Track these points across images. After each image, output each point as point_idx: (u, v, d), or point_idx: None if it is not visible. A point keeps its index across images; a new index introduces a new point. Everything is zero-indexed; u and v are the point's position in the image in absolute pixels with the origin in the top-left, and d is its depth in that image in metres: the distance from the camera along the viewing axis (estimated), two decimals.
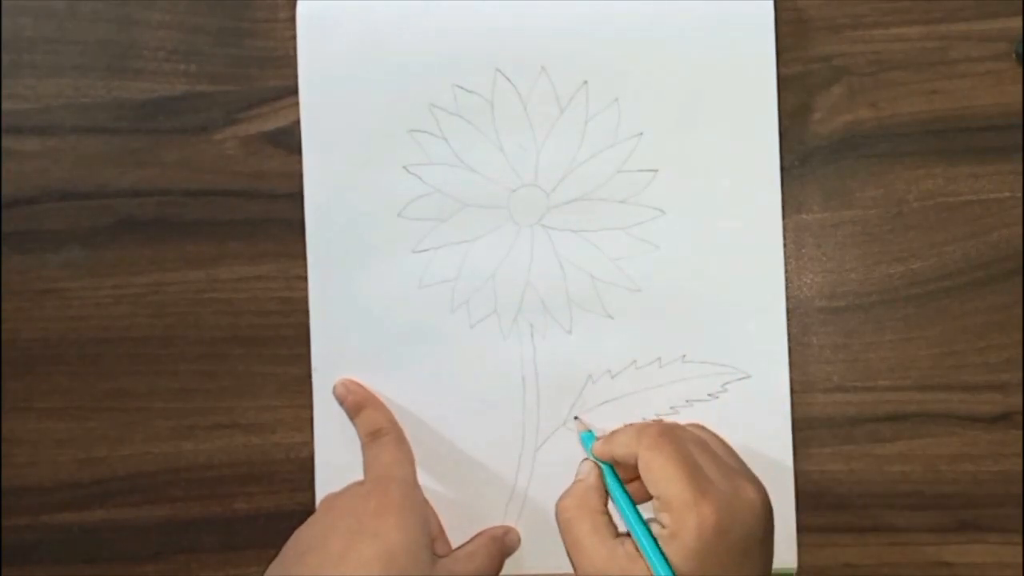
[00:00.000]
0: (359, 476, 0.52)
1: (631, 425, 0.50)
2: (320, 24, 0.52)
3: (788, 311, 0.51)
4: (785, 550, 0.50)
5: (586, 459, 0.50)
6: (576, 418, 0.52)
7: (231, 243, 0.54)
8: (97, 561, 0.55)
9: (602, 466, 0.49)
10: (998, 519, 0.51)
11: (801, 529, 0.51)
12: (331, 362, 0.53)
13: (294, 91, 0.53)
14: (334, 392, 0.53)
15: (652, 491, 0.45)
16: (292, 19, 0.53)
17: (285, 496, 0.55)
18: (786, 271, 0.51)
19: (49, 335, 0.55)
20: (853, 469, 0.52)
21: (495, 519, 0.53)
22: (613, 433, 0.49)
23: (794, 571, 0.51)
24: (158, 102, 0.54)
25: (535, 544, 0.53)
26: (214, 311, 0.55)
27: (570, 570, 0.52)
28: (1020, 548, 0.51)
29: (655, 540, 0.44)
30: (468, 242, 0.52)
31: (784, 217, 0.51)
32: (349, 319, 0.53)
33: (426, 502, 0.52)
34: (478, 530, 0.53)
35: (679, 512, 0.44)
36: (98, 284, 0.55)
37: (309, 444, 0.54)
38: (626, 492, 0.48)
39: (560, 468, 0.52)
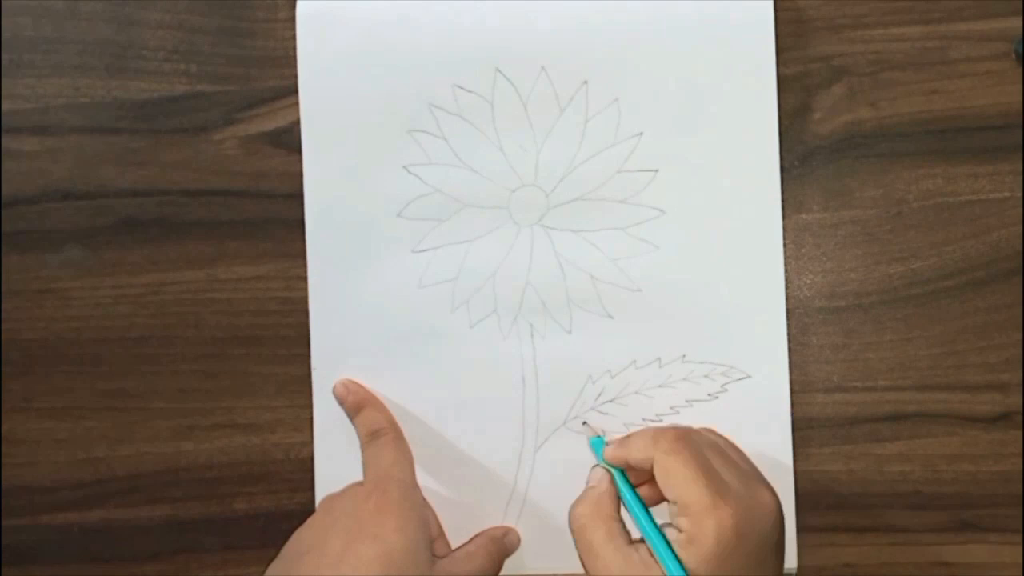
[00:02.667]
0: (359, 476, 0.52)
1: (645, 429, 0.49)
2: (320, 24, 0.52)
3: (788, 311, 0.51)
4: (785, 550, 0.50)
5: (597, 465, 0.50)
6: (584, 423, 0.52)
7: (231, 243, 0.54)
8: (97, 561, 0.56)
9: (614, 471, 0.48)
10: (998, 519, 0.51)
11: (801, 529, 0.51)
12: (331, 362, 0.53)
13: (294, 91, 0.53)
14: (334, 392, 0.53)
15: (669, 496, 0.45)
16: (292, 19, 0.53)
17: (285, 496, 0.55)
18: (786, 271, 0.51)
19: (49, 335, 0.55)
20: (853, 469, 0.52)
21: (495, 519, 0.53)
22: (626, 438, 0.49)
23: (794, 571, 0.51)
24: (158, 102, 0.54)
25: (535, 544, 0.53)
26: (214, 311, 0.55)
27: (569, 570, 0.52)
28: (1020, 548, 0.51)
29: (670, 545, 0.44)
30: (468, 242, 0.52)
31: (784, 217, 0.51)
32: (349, 319, 0.53)
33: (425, 503, 0.52)
34: (478, 530, 0.53)
35: (698, 516, 0.44)
36: (98, 284, 0.55)
37: (309, 444, 0.54)
38: (639, 497, 0.48)
39: (560, 468, 0.52)
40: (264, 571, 0.48)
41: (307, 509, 0.54)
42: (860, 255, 0.52)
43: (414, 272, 0.53)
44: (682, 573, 0.43)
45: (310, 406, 0.54)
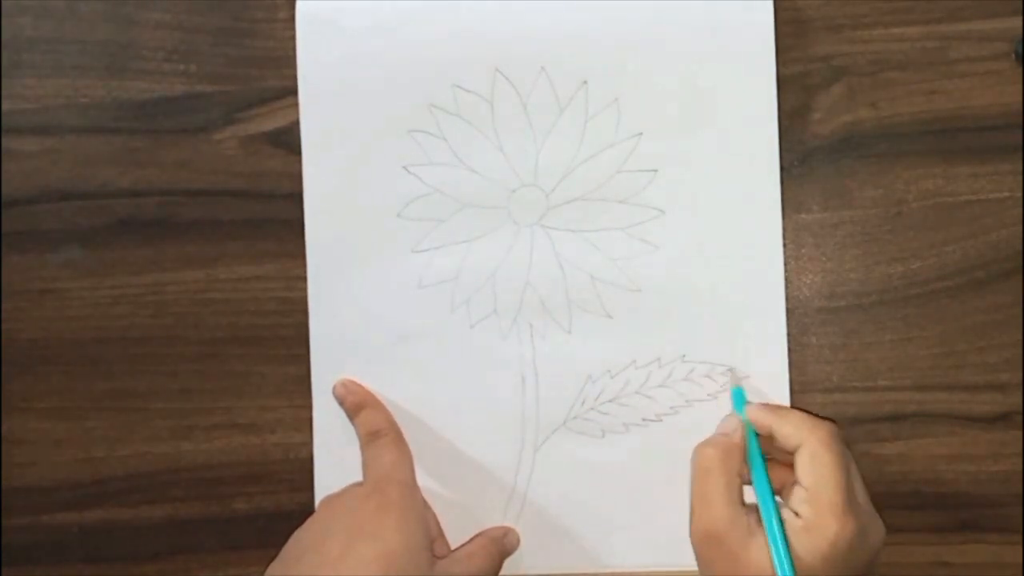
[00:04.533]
0: (359, 476, 0.52)
1: (799, 411, 0.48)
2: (319, 24, 0.52)
3: (788, 311, 0.51)
4: None
5: (733, 415, 0.49)
6: (731, 369, 0.51)
7: (231, 243, 0.54)
8: (97, 561, 0.56)
9: (750, 433, 0.48)
10: (998, 519, 0.51)
11: None
12: (331, 362, 0.53)
13: (294, 91, 0.53)
14: (334, 392, 0.53)
15: (805, 481, 0.45)
16: (291, 19, 0.53)
17: (285, 496, 0.55)
18: (786, 271, 0.51)
19: (49, 335, 0.55)
20: None
21: (495, 519, 0.53)
22: (780, 408, 0.48)
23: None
24: (158, 102, 0.54)
25: (535, 544, 0.53)
26: (214, 311, 0.55)
27: (569, 570, 0.52)
28: (1020, 548, 0.51)
29: (783, 524, 0.44)
30: (468, 242, 0.52)
31: (784, 217, 0.51)
32: (349, 319, 0.53)
33: (425, 503, 0.52)
34: (478, 530, 0.52)
35: (825, 512, 0.44)
36: (98, 284, 0.55)
37: (309, 444, 0.54)
38: (766, 466, 0.47)
39: (560, 468, 0.52)
40: (264, 571, 0.48)
41: (307, 509, 0.54)
42: (860, 255, 0.52)
43: (414, 272, 0.53)
44: (787, 555, 0.43)
45: (310, 406, 0.54)
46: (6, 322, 0.55)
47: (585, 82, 0.51)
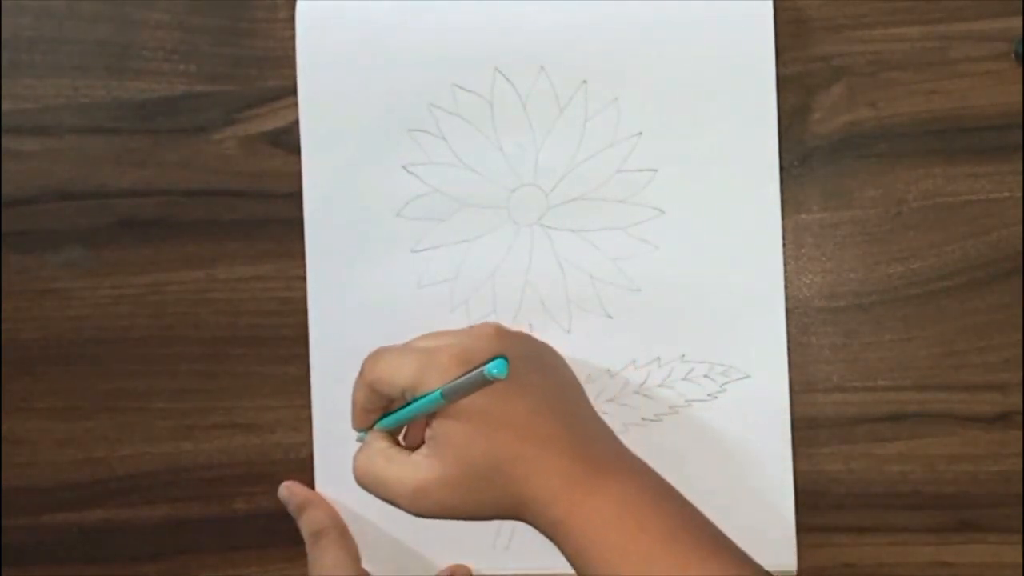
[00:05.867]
0: None
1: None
2: (319, 24, 0.53)
3: (788, 311, 0.51)
4: (784, 550, 0.50)
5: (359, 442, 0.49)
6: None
7: (231, 243, 0.54)
8: (97, 561, 0.56)
9: (371, 430, 0.48)
10: (998, 519, 0.51)
11: (801, 529, 0.51)
12: (330, 362, 0.53)
13: (294, 91, 0.53)
14: (278, 494, 0.53)
15: (398, 389, 0.45)
16: (291, 19, 0.53)
17: None
18: (786, 271, 0.51)
19: (49, 335, 0.55)
20: (853, 469, 0.52)
21: None
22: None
23: (794, 572, 0.51)
24: (158, 102, 0.55)
25: (534, 544, 0.52)
26: (214, 311, 0.55)
27: (568, 570, 0.52)
28: (1020, 548, 0.51)
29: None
30: (467, 242, 0.52)
31: (784, 217, 0.51)
32: (348, 319, 0.53)
33: None
34: (475, 529, 0.52)
35: (421, 369, 0.44)
36: (98, 284, 0.55)
37: (308, 444, 0.54)
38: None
39: None
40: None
41: None
42: (860, 255, 0.52)
43: (413, 272, 0.53)
44: (432, 395, 0.43)
45: (310, 406, 0.54)
46: (6, 322, 0.55)
47: (585, 82, 0.51)
